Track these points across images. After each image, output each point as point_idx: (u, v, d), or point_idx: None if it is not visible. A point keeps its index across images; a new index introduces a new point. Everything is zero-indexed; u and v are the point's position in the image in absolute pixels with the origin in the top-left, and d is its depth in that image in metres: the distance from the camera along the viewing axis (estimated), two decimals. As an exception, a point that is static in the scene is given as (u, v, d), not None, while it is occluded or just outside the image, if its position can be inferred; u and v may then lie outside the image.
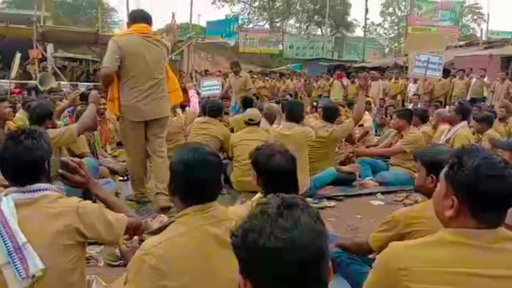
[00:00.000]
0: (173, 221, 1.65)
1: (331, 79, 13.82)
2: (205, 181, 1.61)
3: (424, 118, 6.01)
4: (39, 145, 1.75)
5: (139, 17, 3.96)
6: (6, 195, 1.70)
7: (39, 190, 1.71)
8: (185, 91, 5.60)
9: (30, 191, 1.70)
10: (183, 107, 6.91)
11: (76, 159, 1.95)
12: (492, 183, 1.27)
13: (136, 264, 1.50)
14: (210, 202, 1.62)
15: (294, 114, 4.55)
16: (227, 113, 7.22)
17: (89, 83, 14.39)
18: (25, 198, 1.69)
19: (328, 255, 0.96)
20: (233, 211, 1.75)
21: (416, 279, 1.27)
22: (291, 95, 13.38)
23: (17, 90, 10.52)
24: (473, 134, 5.44)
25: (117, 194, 4.10)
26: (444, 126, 5.55)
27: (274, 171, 2.08)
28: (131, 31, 3.88)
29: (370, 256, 2.39)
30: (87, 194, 3.53)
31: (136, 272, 1.49)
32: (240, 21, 32.13)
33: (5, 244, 1.58)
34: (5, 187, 1.85)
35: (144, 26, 3.89)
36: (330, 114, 5.07)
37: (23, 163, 1.71)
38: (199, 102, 6.14)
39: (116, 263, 2.81)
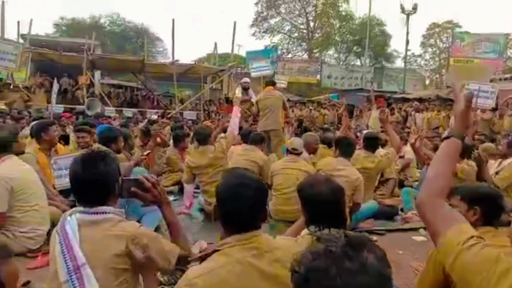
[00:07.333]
0: (215, 250, 1.61)
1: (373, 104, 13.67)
2: (245, 209, 1.57)
3: (467, 154, 5.73)
4: (111, 170, 1.84)
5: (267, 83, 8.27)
6: (71, 214, 1.79)
7: (103, 212, 1.79)
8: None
9: (95, 213, 1.78)
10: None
11: (152, 178, 1.93)
12: None
13: None
14: (253, 231, 1.58)
15: (348, 150, 4.63)
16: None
17: (133, 109, 14.96)
18: (88, 219, 1.77)
19: None
20: (283, 245, 1.69)
21: None
22: (332, 124, 13.34)
23: (67, 114, 11.05)
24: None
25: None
26: (491, 162, 5.38)
27: (317, 200, 2.05)
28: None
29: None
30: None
31: None
32: (279, 51, 32.60)
33: (66, 263, 1.67)
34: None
35: (268, 87, 7.79)
36: (372, 144, 5.08)
37: (94, 187, 1.79)
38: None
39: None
